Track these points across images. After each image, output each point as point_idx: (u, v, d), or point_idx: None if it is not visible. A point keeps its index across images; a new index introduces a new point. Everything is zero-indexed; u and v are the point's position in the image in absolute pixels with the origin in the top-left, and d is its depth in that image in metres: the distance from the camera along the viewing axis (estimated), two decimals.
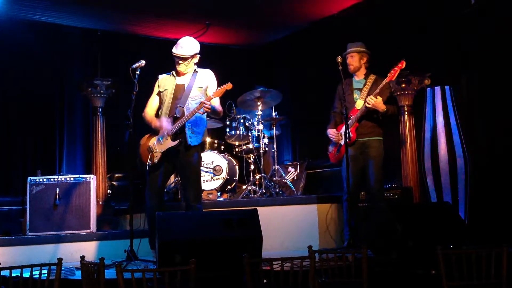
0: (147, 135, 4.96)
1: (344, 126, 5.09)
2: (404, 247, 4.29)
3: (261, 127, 6.64)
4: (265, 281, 3.35)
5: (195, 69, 4.97)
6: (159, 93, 4.99)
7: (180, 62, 4.86)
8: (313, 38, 7.86)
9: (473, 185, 5.60)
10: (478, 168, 5.68)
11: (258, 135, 6.65)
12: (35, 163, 7.22)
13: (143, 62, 4.86)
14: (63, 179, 5.74)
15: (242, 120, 6.78)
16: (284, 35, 8.50)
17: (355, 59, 5.29)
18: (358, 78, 5.35)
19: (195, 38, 5.04)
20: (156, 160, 4.80)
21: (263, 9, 7.42)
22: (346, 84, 5.34)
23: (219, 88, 4.75)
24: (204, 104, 4.64)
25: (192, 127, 4.81)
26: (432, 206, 5.33)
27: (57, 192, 5.66)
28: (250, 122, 6.76)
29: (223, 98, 7.07)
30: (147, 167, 4.86)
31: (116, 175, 7.03)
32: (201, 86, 4.91)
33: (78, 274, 4.18)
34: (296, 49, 8.37)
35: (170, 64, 5.05)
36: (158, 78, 5.06)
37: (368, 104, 5.02)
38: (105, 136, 7.09)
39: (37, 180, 5.69)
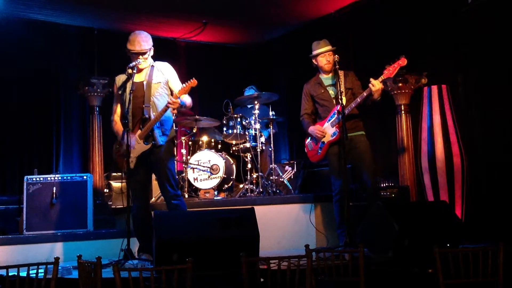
0: (119, 141, 4.88)
1: (326, 122, 5.14)
2: (401, 246, 4.30)
3: (258, 126, 6.64)
4: (262, 280, 3.36)
5: (151, 64, 4.86)
6: (118, 95, 4.87)
7: (140, 58, 4.74)
8: (311, 37, 7.83)
9: (470, 184, 5.61)
10: (475, 167, 5.69)
11: (255, 134, 6.65)
12: (32, 162, 7.21)
13: (140, 61, 4.81)
14: (60, 178, 5.73)
15: (239, 119, 6.78)
16: (281, 34, 8.51)
17: (332, 57, 5.18)
18: (328, 75, 5.26)
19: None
20: (132, 166, 4.70)
21: (260, 8, 7.42)
22: (315, 83, 5.32)
23: (184, 85, 4.65)
24: (170, 105, 4.61)
25: (161, 126, 4.75)
26: (429, 205, 5.34)
27: (54, 191, 5.64)
28: (247, 121, 6.76)
29: (220, 97, 7.09)
30: (123, 173, 4.78)
31: (113, 174, 7.01)
32: (160, 81, 4.80)
33: (75, 273, 4.18)
34: (293, 48, 8.37)
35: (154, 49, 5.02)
36: (115, 80, 4.93)
37: (373, 86, 4.87)
38: (102, 135, 7.08)
39: (34, 179, 5.67)
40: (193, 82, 4.63)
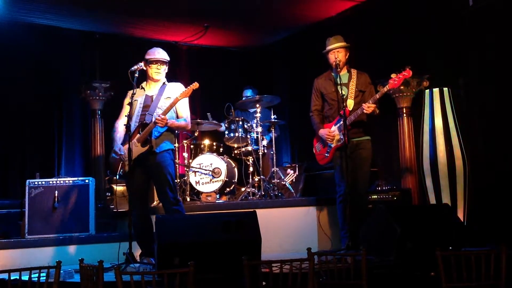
0: (114, 150, 4.89)
1: (333, 126, 5.12)
2: (403, 249, 4.29)
3: (260, 129, 6.64)
4: (264, 283, 3.35)
5: (164, 82, 4.97)
6: (129, 104, 4.90)
7: (160, 67, 4.89)
8: (312, 40, 7.86)
9: (472, 186, 5.60)
10: (477, 170, 5.68)
11: (257, 137, 6.65)
12: (34, 166, 7.21)
13: (141, 65, 4.84)
14: (62, 181, 5.73)
15: (241, 123, 6.78)
16: (282, 37, 8.52)
17: (342, 54, 5.14)
18: (342, 73, 5.16)
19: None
20: (127, 168, 4.71)
21: (261, 11, 7.43)
22: (327, 79, 5.25)
23: (186, 89, 4.74)
24: (158, 122, 4.64)
25: (160, 132, 4.77)
26: (431, 208, 5.34)
27: (56, 195, 5.65)
28: (249, 124, 6.76)
29: (222, 101, 7.09)
30: (117, 176, 4.80)
31: (115, 177, 7.01)
32: (169, 97, 4.86)
33: (77, 277, 4.19)
34: (294, 51, 8.38)
35: (168, 67, 5.04)
36: (128, 93, 4.98)
37: (367, 111, 4.94)
38: (104, 139, 7.09)
39: (36, 183, 5.68)
40: (195, 85, 4.72)
